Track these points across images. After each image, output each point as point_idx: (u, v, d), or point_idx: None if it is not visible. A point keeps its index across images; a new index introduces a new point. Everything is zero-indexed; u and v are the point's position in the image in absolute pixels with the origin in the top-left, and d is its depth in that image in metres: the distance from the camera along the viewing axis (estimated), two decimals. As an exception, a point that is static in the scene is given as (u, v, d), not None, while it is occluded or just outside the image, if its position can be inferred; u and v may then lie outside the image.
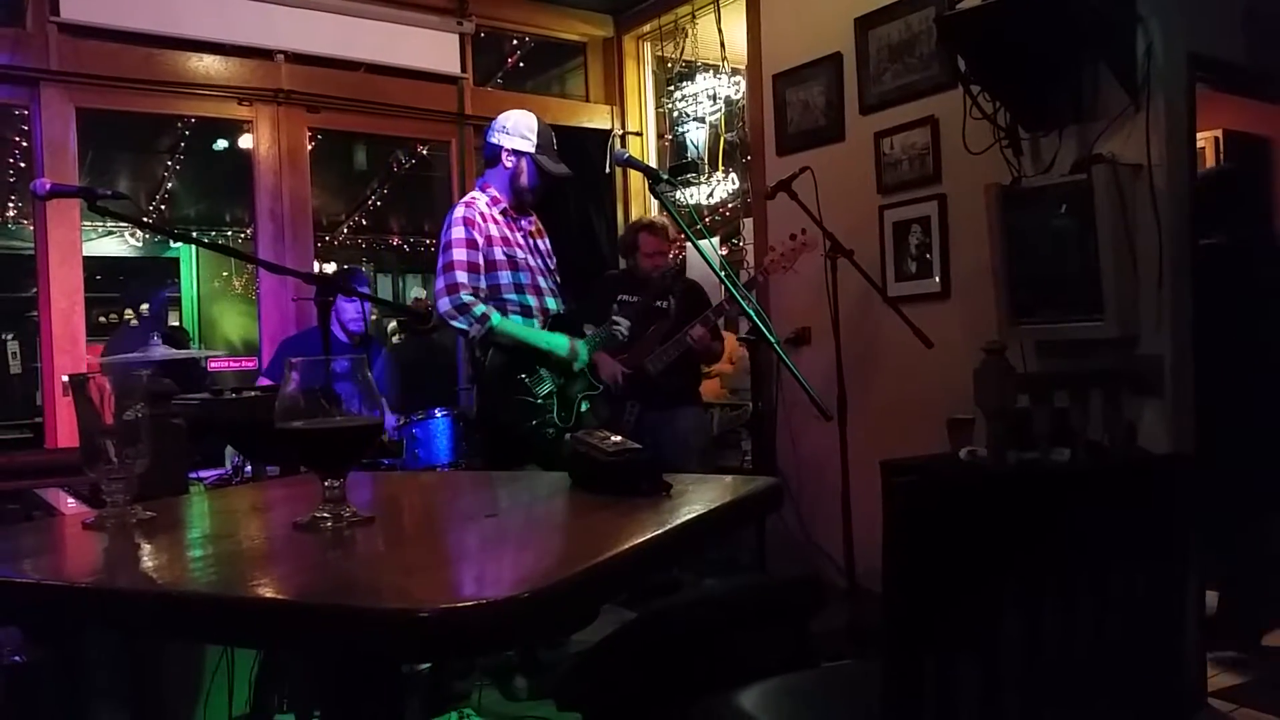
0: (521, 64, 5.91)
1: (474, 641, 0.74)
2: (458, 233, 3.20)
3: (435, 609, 0.72)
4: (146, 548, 1.10)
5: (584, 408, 3.37)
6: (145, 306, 6.25)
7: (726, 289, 3.08)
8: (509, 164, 3.31)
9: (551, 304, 3.37)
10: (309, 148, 4.92)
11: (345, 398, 1.15)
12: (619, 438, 1.34)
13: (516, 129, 3.33)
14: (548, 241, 3.52)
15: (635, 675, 1.91)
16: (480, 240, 3.21)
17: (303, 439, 1.13)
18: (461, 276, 3.17)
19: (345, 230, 8.30)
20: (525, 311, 3.27)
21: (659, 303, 4.22)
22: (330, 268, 7.92)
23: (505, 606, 0.74)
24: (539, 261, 3.38)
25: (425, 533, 1.15)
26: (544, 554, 0.98)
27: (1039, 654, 1.45)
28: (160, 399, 2.02)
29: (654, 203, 5.53)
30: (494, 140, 3.35)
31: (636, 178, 5.62)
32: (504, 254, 3.25)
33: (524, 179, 3.31)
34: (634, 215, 5.67)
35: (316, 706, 1.96)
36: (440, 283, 3.21)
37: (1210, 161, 4.38)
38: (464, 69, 5.21)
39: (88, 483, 2.25)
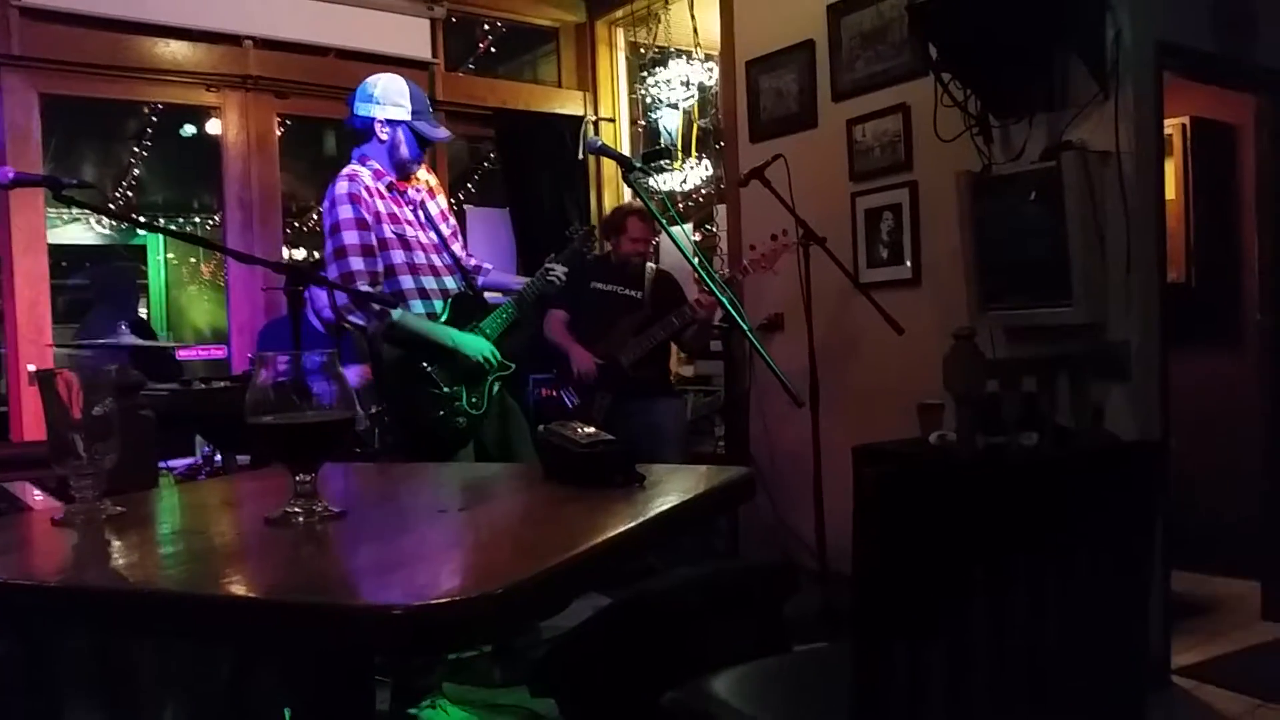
0: (493, 49, 5.87)
1: (449, 638, 0.74)
2: (345, 212, 2.86)
3: (409, 606, 0.73)
4: (116, 544, 1.10)
5: (495, 389, 3.10)
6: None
7: (700, 277, 3.07)
8: (384, 136, 2.98)
9: (451, 283, 3.07)
10: (278, 134, 4.88)
11: (316, 391, 1.15)
12: (592, 429, 1.34)
13: (387, 96, 2.99)
14: (441, 201, 3.19)
15: (609, 662, 1.92)
16: (369, 218, 2.89)
17: (273, 434, 1.13)
18: (357, 263, 2.86)
19: (316, 216, 8.21)
20: (423, 294, 3.00)
21: (632, 293, 4.22)
22: (299, 254, 7.85)
23: (479, 603, 0.74)
24: (432, 235, 3.09)
25: (398, 527, 1.15)
26: (518, 548, 0.99)
27: (1006, 636, 1.47)
28: (129, 391, 2.00)
29: (628, 190, 5.53)
30: (363, 112, 2.99)
31: (610, 164, 5.61)
32: (394, 232, 2.95)
33: (403, 150, 2.99)
34: (607, 202, 5.66)
35: (289, 701, 1.95)
36: (333, 271, 2.87)
37: (1178, 149, 4.42)
38: (435, 54, 5.18)
39: (55, 476, 2.22)
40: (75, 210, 7.15)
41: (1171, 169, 4.31)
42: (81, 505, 1.24)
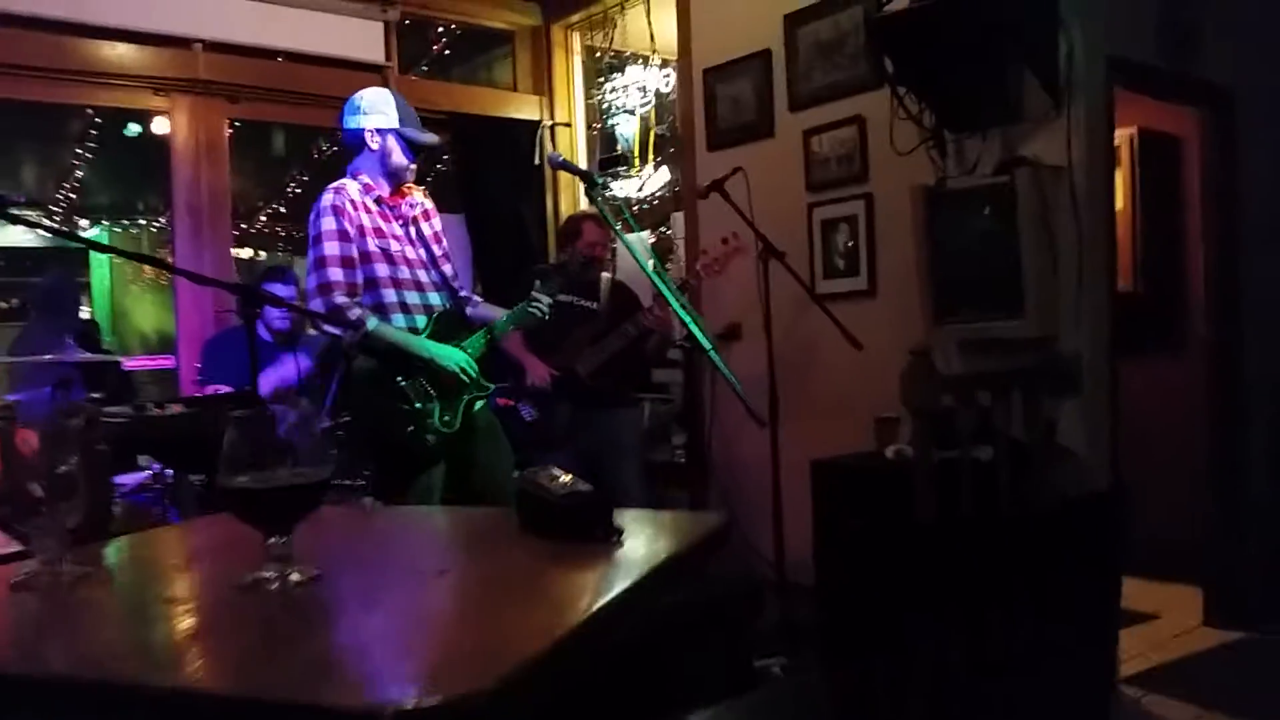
0: (448, 52, 5.80)
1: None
2: (328, 224, 2.96)
3: (402, 710, 0.71)
4: (77, 619, 1.06)
5: (477, 407, 3.13)
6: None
7: (657, 290, 3.07)
8: (375, 145, 3.08)
9: (436, 299, 3.12)
10: (228, 136, 4.79)
11: (292, 449, 1.12)
12: (568, 477, 1.33)
13: (373, 106, 3.10)
14: (436, 223, 3.24)
15: (575, 700, 1.91)
16: (352, 231, 2.97)
17: (248, 498, 1.09)
18: (335, 274, 2.94)
19: (264, 218, 8.07)
20: (405, 309, 3.04)
21: (588, 304, 4.20)
22: (246, 253, 7.72)
23: (476, 700, 0.73)
24: (421, 252, 3.13)
25: (376, 594, 1.12)
26: (508, 625, 0.96)
27: (969, 658, 1.49)
28: (88, 427, 1.94)
29: (585, 197, 5.50)
30: (353, 125, 3.11)
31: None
32: (377, 246, 3.01)
33: (395, 156, 3.08)
34: (564, 208, 5.63)
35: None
36: (312, 281, 2.95)
37: (1126, 160, 4.51)
38: (388, 57, 5.11)
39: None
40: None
41: (1120, 179, 4.40)
42: (42, 566, 1.20)
